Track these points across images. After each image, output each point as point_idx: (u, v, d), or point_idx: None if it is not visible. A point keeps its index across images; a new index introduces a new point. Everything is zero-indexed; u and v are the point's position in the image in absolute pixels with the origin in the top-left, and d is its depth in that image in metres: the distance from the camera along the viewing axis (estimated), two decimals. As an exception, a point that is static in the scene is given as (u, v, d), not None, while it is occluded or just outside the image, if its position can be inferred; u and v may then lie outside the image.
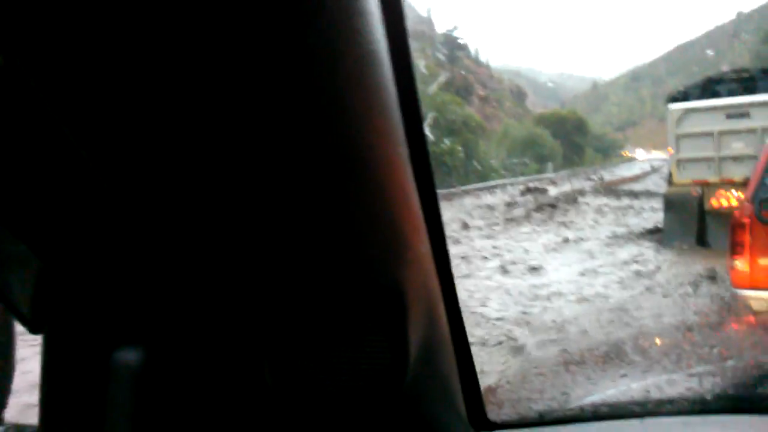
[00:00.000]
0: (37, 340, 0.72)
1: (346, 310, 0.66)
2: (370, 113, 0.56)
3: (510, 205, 20.67)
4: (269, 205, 0.54)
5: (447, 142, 39.70)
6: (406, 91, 0.64)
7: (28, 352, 1.05)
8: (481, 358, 6.05)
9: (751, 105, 11.77)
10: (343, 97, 0.51)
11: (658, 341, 2.11)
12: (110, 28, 0.42)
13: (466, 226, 16.70)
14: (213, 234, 0.56)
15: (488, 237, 15.14)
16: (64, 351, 0.70)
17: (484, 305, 8.53)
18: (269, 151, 0.50)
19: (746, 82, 13.04)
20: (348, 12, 0.48)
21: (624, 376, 1.59)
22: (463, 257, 11.91)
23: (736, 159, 11.81)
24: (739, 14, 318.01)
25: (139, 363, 0.66)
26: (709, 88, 13.32)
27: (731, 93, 12.83)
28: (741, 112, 11.82)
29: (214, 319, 0.68)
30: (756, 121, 11.49)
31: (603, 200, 21.71)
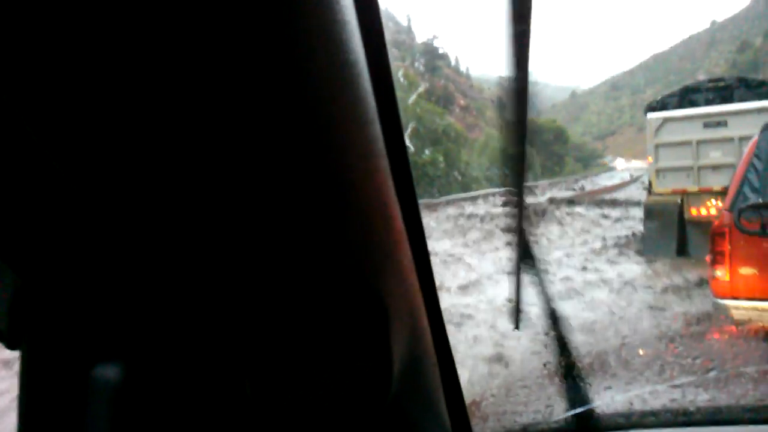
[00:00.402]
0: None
1: (328, 323, 0.65)
2: (350, 125, 0.55)
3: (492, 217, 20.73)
4: (249, 218, 0.53)
5: (429, 151, 39.96)
6: (385, 102, 0.63)
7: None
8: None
9: (729, 114, 11.92)
10: (321, 108, 0.50)
11: (640, 353, 2.12)
12: (72, 35, 0.40)
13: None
14: (193, 247, 0.55)
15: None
16: (42, 367, 0.68)
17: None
18: (246, 165, 0.49)
19: (723, 91, 13.23)
20: (324, 22, 0.48)
21: (608, 388, 1.60)
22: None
23: (715, 168, 11.95)
24: (713, 23, 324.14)
25: (119, 379, 0.65)
26: (687, 97, 13.50)
27: (708, 102, 13.02)
28: (719, 121, 11.98)
29: (194, 334, 0.67)
30: (733, 130, 11.63)
31: (583, 210, 21.88)
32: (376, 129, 0.61)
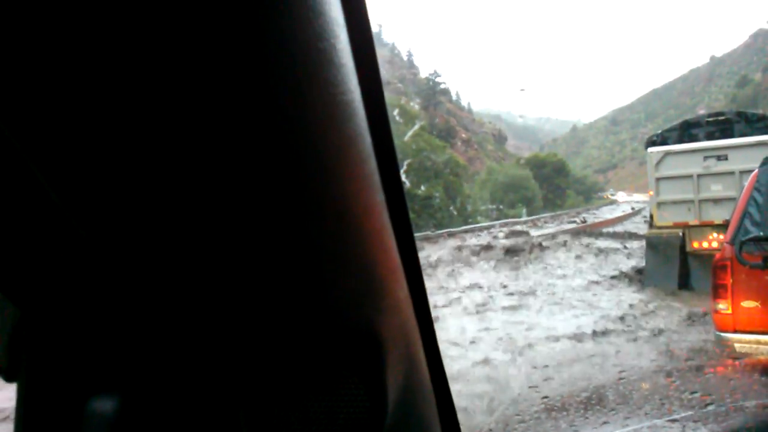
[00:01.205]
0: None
1: (322, 357, 0.65)
2: (346, 162, 0.56)
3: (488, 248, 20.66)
4: (244, 253, 0.53)
5: (430, 184, 39.97)
6: (381, 139, 0.64)
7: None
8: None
9: (729, 148, 11.95)
10: (317, 147, 0.51)
11: (640, 387, 2.10)
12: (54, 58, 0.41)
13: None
14: (189, 282, 0.55)
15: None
16: (39, 399, 0.68)
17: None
18: (242, 201, 0.50)
19: (723, 125, 13.30)
20: (320, 64, 0.49)
21: (606, 423, 1.58)
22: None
23: (716, 201, 11.95)
24: (713, 58, 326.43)
25: (114, 411, 0.65)
26: (687, 131, 13.56)
27: (708, 136, 13.08)
28: (719, 155, 12.00)
29: (190, 369, 0.67)
30: (734, 164, 11.65)
31: (586, 242, 21.80)
32: (372, 165, 0.62)
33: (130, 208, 0.49)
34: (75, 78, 0.42)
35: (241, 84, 0.44)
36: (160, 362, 0.66)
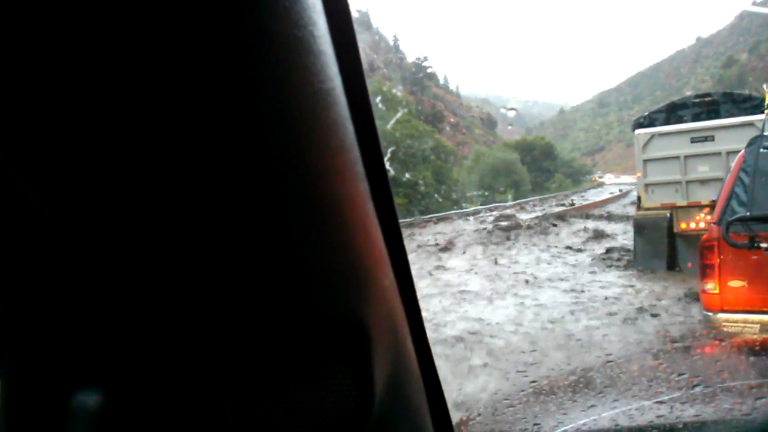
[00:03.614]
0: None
1: (308, 348, 0.65)
2: (327, 151, 0.55)
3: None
4: (228, 245, 0.53)
5: (416, 170, 40.04)
6: (364, 127, 0.64)
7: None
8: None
9: (716, 128, 12.00)
10: (296, 136, 0.51)
11: (628, 368, 2.12)
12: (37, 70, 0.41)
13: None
14: (173, 276, 0.55)
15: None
16: (22, 393, 0.68)
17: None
18: (222, 193, 0.49)
19: (709, 106, 13.36)
20: (298, 52, 0.48)
21: (593, 406, 1.59)
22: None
23: (703, 182, 12.01)
24: (699, 39, 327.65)
25: (99, 406, 0.65)
26: (674, 112, 13.62)
27: (695, 117, 13.13)
28: (706, 136, 12.05)
29: (175, 361, 0.67)
30: (721, 145, 11.70)
31: (573, 223, 21.93)
32: (355, 154, 0.62)
33: (109, 200, 0.48)
34: (45, 75, 0.41)
35: (217, 75, 0.44)
36: (146, 356, 0.66)
